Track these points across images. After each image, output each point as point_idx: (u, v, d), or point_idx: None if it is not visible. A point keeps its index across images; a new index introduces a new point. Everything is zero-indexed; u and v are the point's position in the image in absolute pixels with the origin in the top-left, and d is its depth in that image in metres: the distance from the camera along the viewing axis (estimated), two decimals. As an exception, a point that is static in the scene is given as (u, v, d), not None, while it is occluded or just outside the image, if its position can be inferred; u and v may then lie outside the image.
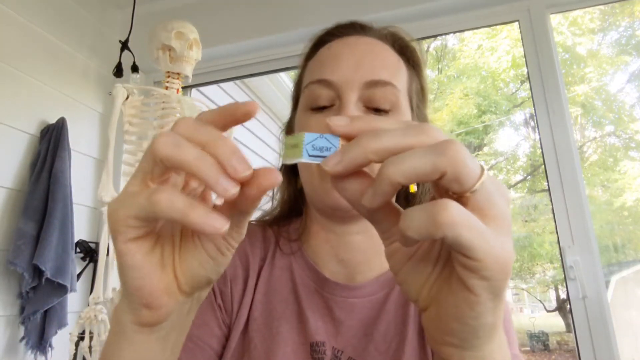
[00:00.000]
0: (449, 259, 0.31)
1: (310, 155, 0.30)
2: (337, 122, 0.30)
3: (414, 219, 0.26)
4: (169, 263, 0.33)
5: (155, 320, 0.33)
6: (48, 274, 1.47)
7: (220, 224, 0.27)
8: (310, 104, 0.57)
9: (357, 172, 0.30)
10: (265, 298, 0.58)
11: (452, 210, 0.25)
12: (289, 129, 0.66)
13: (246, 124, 3.22)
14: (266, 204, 0.68)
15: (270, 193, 0.68)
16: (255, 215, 0.68)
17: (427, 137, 0.28)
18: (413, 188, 0.60)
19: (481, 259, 0.26)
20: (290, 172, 0.64)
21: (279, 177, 0.28)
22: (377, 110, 0.55)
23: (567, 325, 4.25)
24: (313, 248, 0.60)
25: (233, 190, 0.27)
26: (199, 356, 0.54)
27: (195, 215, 0.27)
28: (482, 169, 0.27)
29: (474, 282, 0.27)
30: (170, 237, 0.34)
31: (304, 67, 0.63)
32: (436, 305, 0.31)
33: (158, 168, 0.29)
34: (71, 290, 1.57)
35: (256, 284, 0.59)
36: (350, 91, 0.54)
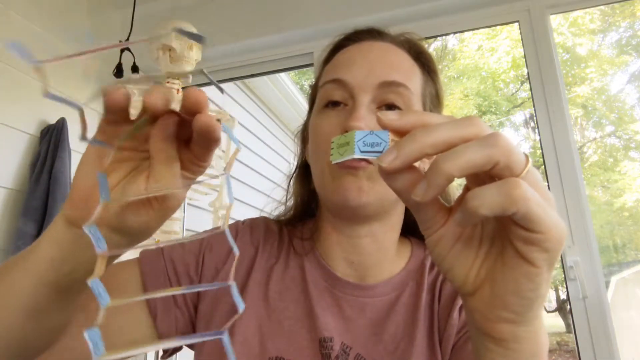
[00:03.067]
0: (493, 238, 0.33)
1: (362, 151, 0.30)
2: (388, 116, 0.31)
3: (487, 197, 0.27)
4: (115, 179, 0.36)
5: (76, 217, 0.35)
6: (48, 274, 1.47)
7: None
8: (324, 101, 0.58)
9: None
10: (279, 296, 0.59)
11: (524, 186, 0.27)
12: (304, 132, 0.68)
13: (245, 123, 3.23)
14: (279, 208, 0.70)
15: (283, 196, 0.70)
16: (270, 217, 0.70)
17: (478, 129, 0.29)
18: None
19: (545, 231, 0.28)
20: (304, 174, 0.66)
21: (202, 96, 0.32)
22: (390, 107, 0.56)
23: (567, 325, 4.25)
24: (325, 249, 0.62)
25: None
26: (173, 314, 0.57)
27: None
28: (527, 157, 0.29)
29: (536, 255, 0.29)
30: (134, 161, 0.37)
31: (321, 72, 0.65)
32: (490, 284, 0.32)
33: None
34: (71, 291, 1.57)
35: (268, 281, 0.60)
36: (364, 93, 0.55)
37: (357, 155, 0.30)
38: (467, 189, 0.33)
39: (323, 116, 0.58)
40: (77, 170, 0.35)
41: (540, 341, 0.33)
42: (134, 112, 0.34)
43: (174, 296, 0.58)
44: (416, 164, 0.31)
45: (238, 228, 0.65)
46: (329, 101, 0.57)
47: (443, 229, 0.33)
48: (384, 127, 0.31)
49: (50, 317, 0.40)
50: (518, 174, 0.28)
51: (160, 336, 0.57)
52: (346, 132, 0.53)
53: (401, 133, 0.30)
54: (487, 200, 0.27)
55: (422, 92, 0.59)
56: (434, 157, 0.29)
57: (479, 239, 0.33)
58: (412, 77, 0.58)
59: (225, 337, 0.27)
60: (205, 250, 0.61)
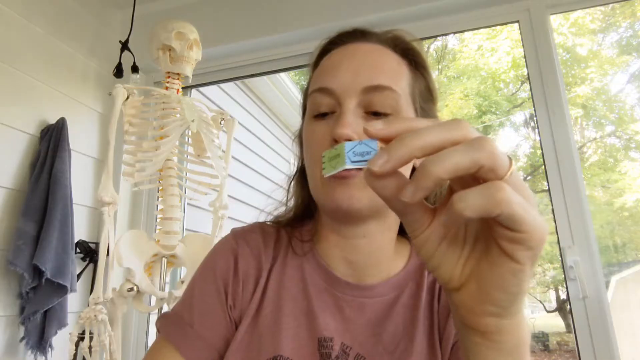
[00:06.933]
0: (477, 238, 0.34)
1: (352, 162, 0.32)
2: (375, 126, 0.32)
3: (472, 200, 0.28)
4: None
5: None
6: (48, 274, 1.47)
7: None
8: (313, 112, 0.59)
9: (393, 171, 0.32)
10: (276, 296, 0.60)
11: (507, 190, 0.28)
12: (300, 137, 0.68)
13: (245, 123, 3.23)
14: (279, 208, 0.70)
15: (284, 196, 0.70)
16: (269, 218, 0.70)
17: (464, 131, 0.30)
18: None
19: (528, 231, 0.29)
20: (304, 177, 0.67)
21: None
22: (377, 114, 0.56)
23: (567, 325, 4.25)
24: (324, 250, 0.62)
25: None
26: (204, 355, 0.56)
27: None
28: (511, 160, 0.31)
29: (520, 253, 0.30)
30: None
31: (310, 77, 0.65)
32: (476, 279, 0.34)
33: None
34: (71, 291, 1.56)
35: (267, 282, 0.61)
36: (349, 98, 0.55)
37: (349, 166, 0.32)
38: (450, 189, 0.34)
39: (313, 127, 0.59)
40: None
41: (522, 334, 0.35)
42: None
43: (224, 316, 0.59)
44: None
45: (237, 245, 0.64)
46: (318, 113, 0.58)
47: (428, 230, 0.34)
48: (372, 137, 0.32)
49: None
50: (502, 177, 0.29)
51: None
52: (335, 140, 0.53)
53: (389, 141, 0.31)
54: (471, 203, 0.28)
55: (411, 91, 0.59)
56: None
57: (462, 239, 0.35)
58: (399, 78, 0.58)
59: None
60: (226, 288, 0.61)
